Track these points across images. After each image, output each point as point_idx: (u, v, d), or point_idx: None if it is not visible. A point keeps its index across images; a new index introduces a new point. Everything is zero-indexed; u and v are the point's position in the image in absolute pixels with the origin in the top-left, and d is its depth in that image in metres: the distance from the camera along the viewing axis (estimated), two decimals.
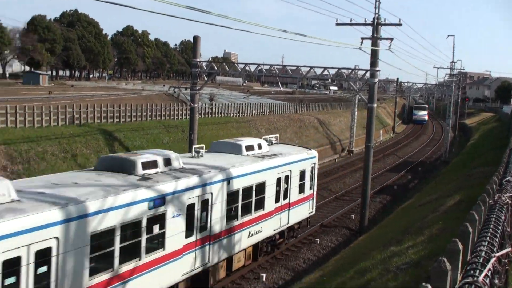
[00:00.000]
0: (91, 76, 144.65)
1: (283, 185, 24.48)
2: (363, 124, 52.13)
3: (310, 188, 27.85)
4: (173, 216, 16.70)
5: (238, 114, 56.09)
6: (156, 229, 16.13)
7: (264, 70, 38.55)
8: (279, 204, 24.30)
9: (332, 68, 34.66)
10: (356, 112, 70.74)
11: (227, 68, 39.47)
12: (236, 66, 41.05)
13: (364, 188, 32.69)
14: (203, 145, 22.18)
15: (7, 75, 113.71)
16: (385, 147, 77.21)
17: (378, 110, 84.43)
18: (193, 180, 17.84)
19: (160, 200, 16.07)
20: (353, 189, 44.12)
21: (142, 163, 17.22)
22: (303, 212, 27.44)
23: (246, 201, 21.27)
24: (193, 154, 21.62)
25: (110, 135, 37.14)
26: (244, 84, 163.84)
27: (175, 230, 16.90)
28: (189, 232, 17.74)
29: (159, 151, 19.25)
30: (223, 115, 53.87)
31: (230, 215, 20.24)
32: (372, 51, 31.68)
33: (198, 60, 36.37)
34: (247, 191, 21.25)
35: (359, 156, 62.49)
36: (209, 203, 18.70)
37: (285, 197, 24.86)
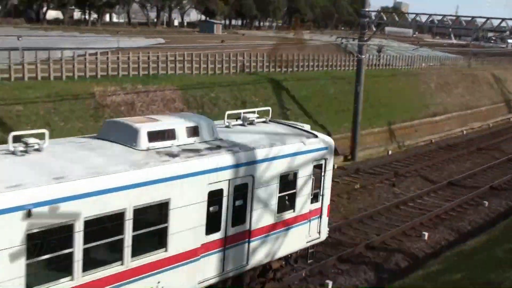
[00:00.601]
0: (261, 25, 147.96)
1: (229, 203, 14.12)
2: None
3: (314, 200, 16.92)
4: None
5: (406, 67, 54.38)
6: None
7: (435, 21, 36.73)
8: (217, 236, 13.98)
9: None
10: None
11: (396, 18, 38.25)
12: (406, 17, 39.70)
13: None
14: (45, 131, 12.24)
15: (185, 24, 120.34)
16: None
17: None
18: None
19: None
20: None
21: None
22: (293, 240, 16.40)
23: (100, 241, 11.46)
24: (12, 149, 11.80)
25: (278, 84, 38.07)
26: (414, 35, 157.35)
27: None
28: None
29: None
30: (390, 67, 52.54)
31: (46, 272, 10.87)
32: None
33: (367, 10, 35.63)
34: (106, 222, 11.48)
35: None
36: None
37: (238, 222, 14.50)
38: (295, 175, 15.94)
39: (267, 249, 15.50)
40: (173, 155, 13.09)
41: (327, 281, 18.02)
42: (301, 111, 36.97)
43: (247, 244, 14.87)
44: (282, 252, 16.18)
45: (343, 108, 38.88)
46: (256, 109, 17.75)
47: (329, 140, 17.48)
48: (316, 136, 16.98)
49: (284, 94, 37.61)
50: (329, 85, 41.73)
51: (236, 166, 14.02)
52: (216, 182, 13.55)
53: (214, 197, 13.62)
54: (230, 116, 16.69)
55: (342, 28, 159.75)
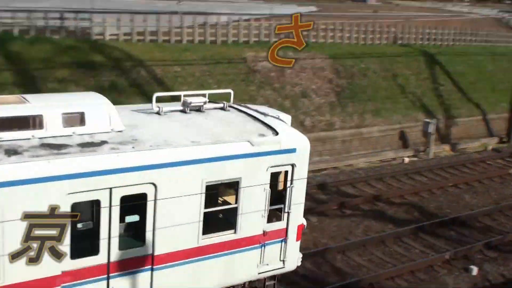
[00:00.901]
0: None
1: (113, 219, 10.25)
2: None
3: (274, 219, 12.58)
4: None
5: None
6: None
7: None
8: (93, 261, 10.23)
9: None
10: None
11: None
12: None
13: None
14: None
15: None
16: None
17: None
18: None
19: None
20: None
21: None
22: (233, 270, 12.29)
23: None
24: None
25: (431, 58, 36.57)
26: None
27: None
28: None
29: None
30: None
31: None
32: None
33: None
34: None
35: None
36: None
37: (132, 244, 11.00)
38: (235, 185, 11.70)
39: (185, 280, 11.58)
40: (13, 153, 9.43)
41: (472, 266, 17.24)
42: (455, 87, 35.28)
43: (149, 272, 11.08)
44: (214, 284, 12.12)
45: (502, 86, 36.56)
46: (208, 92, 12.93)
47: (300, 139, 12.35)
48: (277, 133, 12.07)
49: (437, 69, 36.08)
50: (488, 62, 39.39)
51: (124, 170, 10.20)
52: (85, 191, 9.85)
53: (83, 210, 10.22)
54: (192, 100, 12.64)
55: (507, 1, 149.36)
